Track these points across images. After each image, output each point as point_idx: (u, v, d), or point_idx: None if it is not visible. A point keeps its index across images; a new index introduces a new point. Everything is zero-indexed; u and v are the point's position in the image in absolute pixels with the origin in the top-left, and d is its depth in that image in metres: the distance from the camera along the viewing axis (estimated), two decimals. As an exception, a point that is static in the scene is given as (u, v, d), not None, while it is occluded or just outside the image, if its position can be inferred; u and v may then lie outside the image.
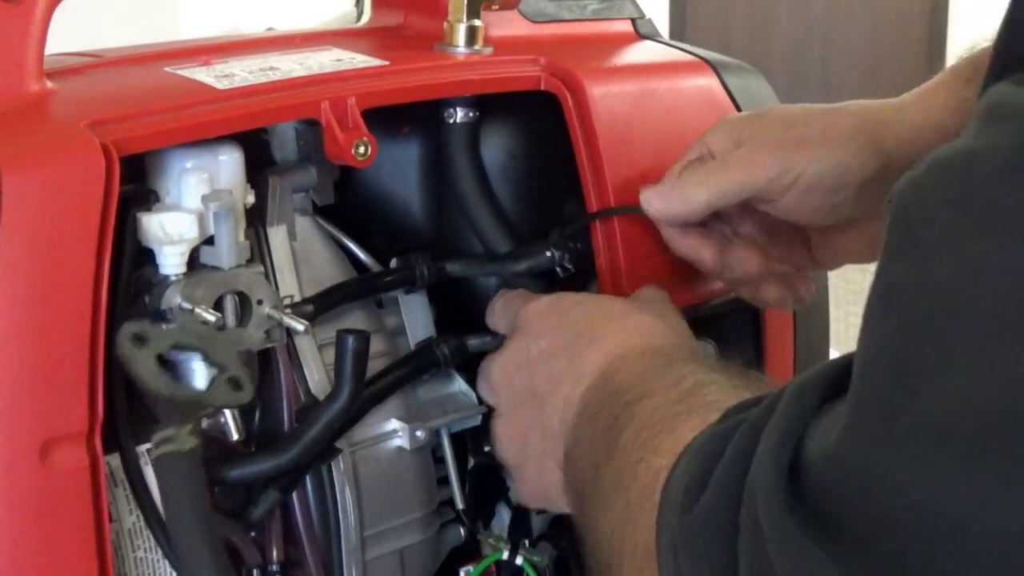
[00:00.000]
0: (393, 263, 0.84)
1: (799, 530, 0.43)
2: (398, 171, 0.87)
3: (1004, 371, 0.38)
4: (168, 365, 0.68)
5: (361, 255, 0.85)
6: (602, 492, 0.64)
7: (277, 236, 0.78)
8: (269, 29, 1.40)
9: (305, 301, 0.78)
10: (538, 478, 0.75)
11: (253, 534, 0.76)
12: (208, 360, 0.69)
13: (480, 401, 0.84)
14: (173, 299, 0.70)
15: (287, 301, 0.77)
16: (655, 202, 0.79)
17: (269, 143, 0.80)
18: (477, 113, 0.83)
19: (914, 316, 0.41)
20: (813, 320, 0.96)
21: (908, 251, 0.42)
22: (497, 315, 0.82)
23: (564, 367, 0.72)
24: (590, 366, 0.70)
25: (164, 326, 0.69)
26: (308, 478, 0.77)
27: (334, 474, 0.78)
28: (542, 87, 0.83)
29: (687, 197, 0.78)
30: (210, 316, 0.69)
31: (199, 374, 0.70)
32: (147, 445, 0.70)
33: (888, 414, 0.41)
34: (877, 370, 0.42)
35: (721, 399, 0.61)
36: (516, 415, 0.76)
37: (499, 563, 0.85)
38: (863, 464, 0.42)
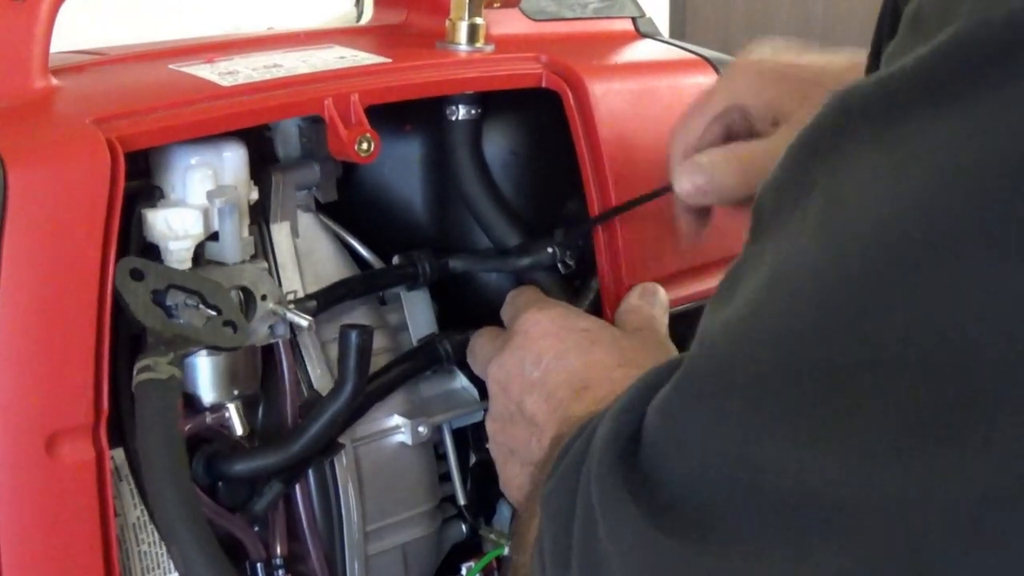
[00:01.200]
0: (396, 260, 0.85)
1: (622, 485, 0.46)
2: (401, 168, 0.87)
3: (784, 337, 0.41)
4: (164, 304, 0.68)
5: (364, 252, 0.85)
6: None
7: (280, 232, 0.79)
8: (269, 29, 1.40)
9: (308, 297, 0.78)
10: (513, 486, 0.77)
11: (257, 529, 0.76)
12: (205, 303, 0.69)
13: (481, 398, 0.85)
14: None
15: (290, 297, 0.77)
16: (685, 184, 0.75)
17: (273, 140, 0.81)
18: (479, 110, 0.84)
19: (736, 291, 0.44)
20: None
21: (752, 236, 0.46)
22: (505, 306, 0.82)
23: (550, 411, 0.73)
24: (573, 417, 0.71)
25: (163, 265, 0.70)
26: (311, 473, 0.78)
27: (337, 469, 0.78)
28: (543, 84, 0.83)
29: (722, 185, 0.74)
30: (214, 311, 0.70)
31: (195, 316, 0.70)
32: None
33: (700, 373, 0.45)
34: (704, 337, 0.45)
35: None
36: (504, 426, 0.77)
37: (500, 559, 0.85)
38: (677, 417, 0.45)
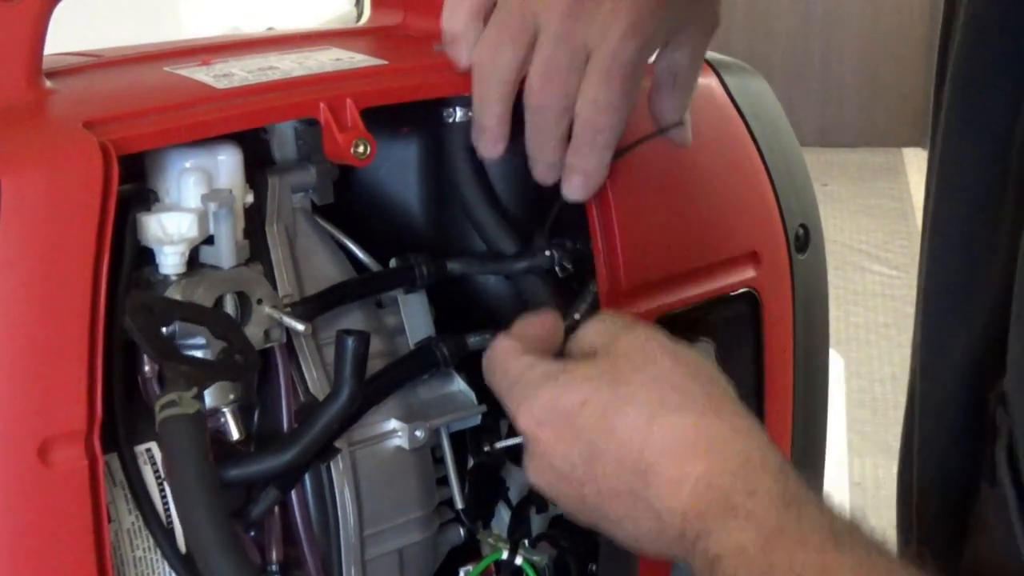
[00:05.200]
0: (392, 263, 0.84)
1: None
2: (397, 171, 0.87)
3: None
4: (174, 336, 0.69)
5: (360, 255, 0.85)
6: None
7: (276, 236, 0.78)
8: (269, 29, 1.40)
9: (305, 301, 0.78)
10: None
11: (253, 534, 0.76)
12: (215, 334, 0.69)
13: (479, 401, 0.84)
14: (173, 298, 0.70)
15: (286, 301, 0.77)
16: None
17: (268, 142, 0.80)
18: (476, 112, 0.83)
19: None
20: (813, 320, 0.97)
21: None
22: (494, 375, 0.74)
23: (627, 500, 0.66)
24: (666, 512, 0.64)
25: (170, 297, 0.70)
26: (307, 478, 0.77)
27: (333, 474, 0.78)
28: (541, 86, 0.83)
29: None
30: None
31: (207, 350, 0.70)
32: (145, 445, 0.70)
33: None
34: None
35: None
36: (565, 474, 0.69)
37: (498, 563, 0.85)
38: None
